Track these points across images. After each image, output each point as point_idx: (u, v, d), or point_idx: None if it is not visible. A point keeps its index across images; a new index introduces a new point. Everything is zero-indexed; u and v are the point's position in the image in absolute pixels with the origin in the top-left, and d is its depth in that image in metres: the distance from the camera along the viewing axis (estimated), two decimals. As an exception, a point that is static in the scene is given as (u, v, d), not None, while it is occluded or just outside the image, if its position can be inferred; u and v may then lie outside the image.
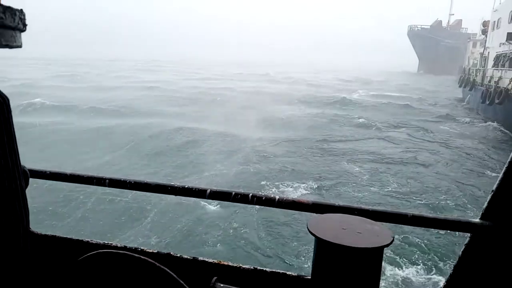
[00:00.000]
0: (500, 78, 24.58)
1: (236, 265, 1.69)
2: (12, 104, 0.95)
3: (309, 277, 1.50)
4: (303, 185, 11.96)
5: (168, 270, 1.42)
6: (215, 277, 1.56)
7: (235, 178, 12.49)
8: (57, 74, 56.97)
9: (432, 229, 8.00)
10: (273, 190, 11.39)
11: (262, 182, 11.99)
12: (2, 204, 0.62)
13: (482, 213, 1.49)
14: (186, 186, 1.79)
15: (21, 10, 0.68)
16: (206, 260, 1.71)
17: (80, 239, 1.83)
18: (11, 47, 0.64)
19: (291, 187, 11.72)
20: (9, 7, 0.66)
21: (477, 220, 1.50)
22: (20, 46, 0.68)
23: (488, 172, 14.34)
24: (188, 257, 1.73)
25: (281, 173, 13.11)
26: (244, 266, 1.67)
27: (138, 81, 49.97)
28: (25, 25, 0.67)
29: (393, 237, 1.32)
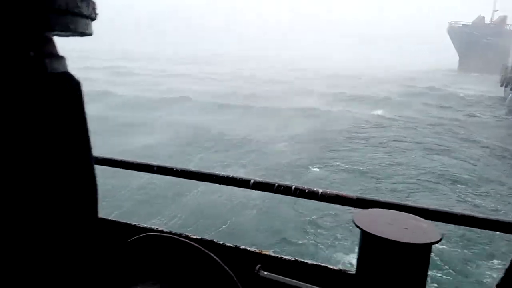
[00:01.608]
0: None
1: (277, 255, 1.70)
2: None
3: (353, 272, 1.50)
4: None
5: (213, 255, 1.45)
6: (259, 265, 1.58)
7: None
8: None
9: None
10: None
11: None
12: (77, 188, 0.67)
13: None
14: (230, 176, 1.82)
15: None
16: (248, 249, 1.74)
17: (128, 222, 1.90)
18: (84, 34, 0.68)
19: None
20: None
21: None
22: (91, 34, 0.72)
23: None
24: (231, 245, 1.76)
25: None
26: (285, 257, 1.69)
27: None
28: (96, 14, 0.71)
29: (442, 235, 1.29)
